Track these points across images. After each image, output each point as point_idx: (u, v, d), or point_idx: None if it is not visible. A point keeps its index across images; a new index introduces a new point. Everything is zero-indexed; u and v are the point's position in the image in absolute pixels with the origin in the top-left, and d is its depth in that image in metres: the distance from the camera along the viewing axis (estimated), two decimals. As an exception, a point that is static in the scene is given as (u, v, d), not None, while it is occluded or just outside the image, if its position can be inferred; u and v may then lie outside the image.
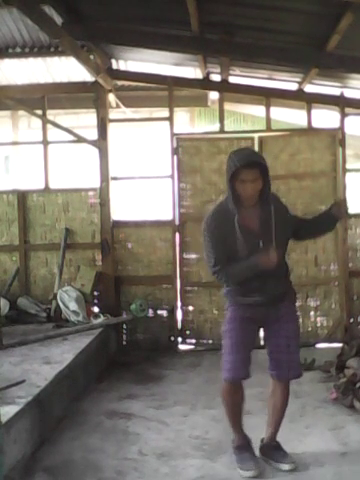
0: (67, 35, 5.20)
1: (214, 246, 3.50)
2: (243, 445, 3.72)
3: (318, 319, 6.87)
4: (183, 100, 7.44)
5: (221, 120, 6.95)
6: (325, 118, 7.29)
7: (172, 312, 6.88)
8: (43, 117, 7.07)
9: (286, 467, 3.62)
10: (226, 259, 3.49)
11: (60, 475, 3.60)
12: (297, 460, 3.70)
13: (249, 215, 3.48)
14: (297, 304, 6.87)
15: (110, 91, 6.94)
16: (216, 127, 7.28)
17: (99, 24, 5.69)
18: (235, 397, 3.67)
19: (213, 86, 7.04)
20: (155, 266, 6.93)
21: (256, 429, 4.19)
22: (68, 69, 6.76)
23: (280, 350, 3.64)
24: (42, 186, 7.06)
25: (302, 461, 3.69)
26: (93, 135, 7.00)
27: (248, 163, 3.36)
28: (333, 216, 3.60)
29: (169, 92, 6.85)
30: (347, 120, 6.81)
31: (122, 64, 6.92)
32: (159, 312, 6.91)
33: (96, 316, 6.56)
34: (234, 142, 6.82)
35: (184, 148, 6.89)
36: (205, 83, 6.97)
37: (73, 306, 6.45)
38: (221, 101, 6.99)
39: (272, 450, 3.73)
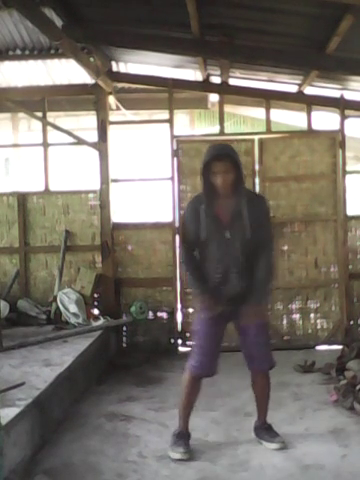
0: (67, 37, 5.20)
1: (185, 227, 3.90)
2: (182, 434, 3.96)
3: (318, 321, 6.87)
4: (183, 102, 7.44)
5: (221, 122, 6.96)
6: (325, 120, 7.30)
7: (172, 314, 6.88)
8: (43, 119, 7.07)
9: (274, 446, 3.90)
10: (193, 240, 3.82)
11: (60, 477, 3.59)
12: (296, 461, 3.71)
13: (222, 206, 3.76)
14: (299, 305, 6.88)
15: (110, 93, 6.95)
16: (216, 129, 7.29)
17: (99, 26, 5.71)
18: (193, 390, 3.95)
19: (213, 88, 7.06)
20: (155, 268, 6.93)
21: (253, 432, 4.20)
22: (68, 71, 6.77)
23: (248, 344, 3.88)
24: (42, 188, 7.06)
25: (302, 463, 3.69)
26: (93, 137, 7.00)
27: (218, 155, 3.68)
28: (248, 306, 3.75)
29: (169, 94, 6.86)
30: (347, 122, 6.82)
31: (122, 66, 6.93)
32: (159, 314, 6.91)
33: (96, 318, 6.56)
34: (234, 144, 6.82)
35: (184, 150, 6.90)
36: (205, 85, 6.98)
37: (73, 308, 6.45)
38: (221, 103, 7.00)
39: (263, 431, 4.01)
